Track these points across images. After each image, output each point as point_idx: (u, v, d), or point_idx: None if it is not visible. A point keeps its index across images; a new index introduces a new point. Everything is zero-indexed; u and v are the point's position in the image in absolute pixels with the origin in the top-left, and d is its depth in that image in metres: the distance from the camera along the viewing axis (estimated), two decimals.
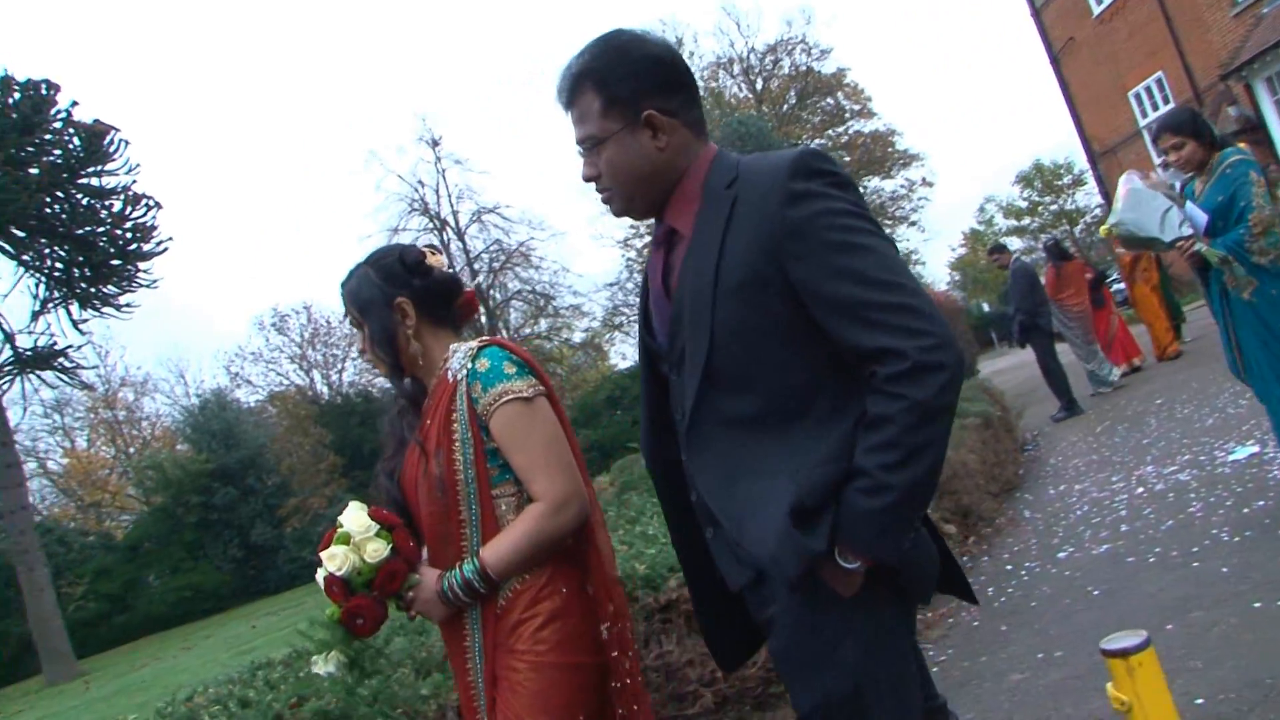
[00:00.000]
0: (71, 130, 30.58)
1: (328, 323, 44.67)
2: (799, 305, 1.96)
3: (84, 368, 32.99)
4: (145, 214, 31.05)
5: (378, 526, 2.52)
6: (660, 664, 4.36)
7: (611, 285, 43.45)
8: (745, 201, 2.01)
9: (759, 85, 48.21)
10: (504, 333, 43.86)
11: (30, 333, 31.17)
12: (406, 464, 2.65)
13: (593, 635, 2.50)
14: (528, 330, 45.01)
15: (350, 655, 2.56)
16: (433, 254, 2.76)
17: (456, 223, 44.38)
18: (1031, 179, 59.62)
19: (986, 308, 49.35)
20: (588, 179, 2.23)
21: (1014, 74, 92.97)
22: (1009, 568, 6.56)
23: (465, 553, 2.51)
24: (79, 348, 32.00)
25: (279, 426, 41.29)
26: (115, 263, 31.12)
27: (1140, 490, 7.48)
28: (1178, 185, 5.54)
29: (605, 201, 2.26)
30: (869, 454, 1.88)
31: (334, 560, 2.49)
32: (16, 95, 29.72)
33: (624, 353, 46.87)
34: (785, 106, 47.59)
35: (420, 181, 44.48)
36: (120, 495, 45.60)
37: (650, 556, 4.70)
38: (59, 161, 30.31)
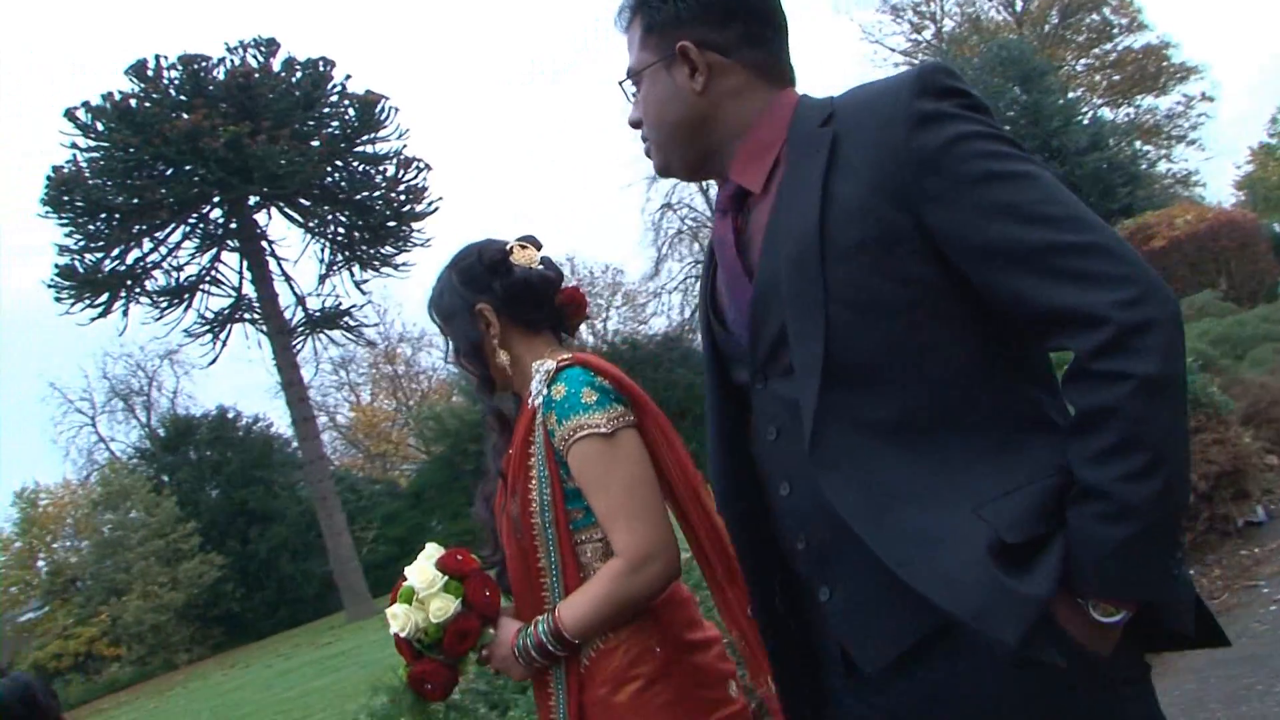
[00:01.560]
0: (346, 102, 32.45)
1: (590, 273, 45.75)
2: (943, 265, 1.49)
3: (366, 326, 35.26)
4: (416, 176, 32.72)
5: (445, 579, 2.22)
6: None
7: None
8: (853, 136, 1.56)
9: (1019, 6, 46.21)
10: None
11: (318, 295, 33.51)
12: (499, 494, 2.32)
13: (703, 696, 2.15)
14: None
15: None
16: (521, 248, 2.37)
17: None
18: None
19: None
20: (632, 124, 1.84)
21: None
22: (1265, 589, 5.34)
23: (546, 604, 2.18)
24: (361, 307, 34.15)
25: None
26: (391, 224, 32.96)
27: None
28: None
29: (646, 154, 1.84)
30: (1098, 464, 1.38)
31: (396, 620, 2.21)
32: (299, 74, 31.76)
33: None
34: (1047, 27, 45.46)
35: None
36: (402, 446, 48.39)
37: None
38: (337, 132, 32.28)
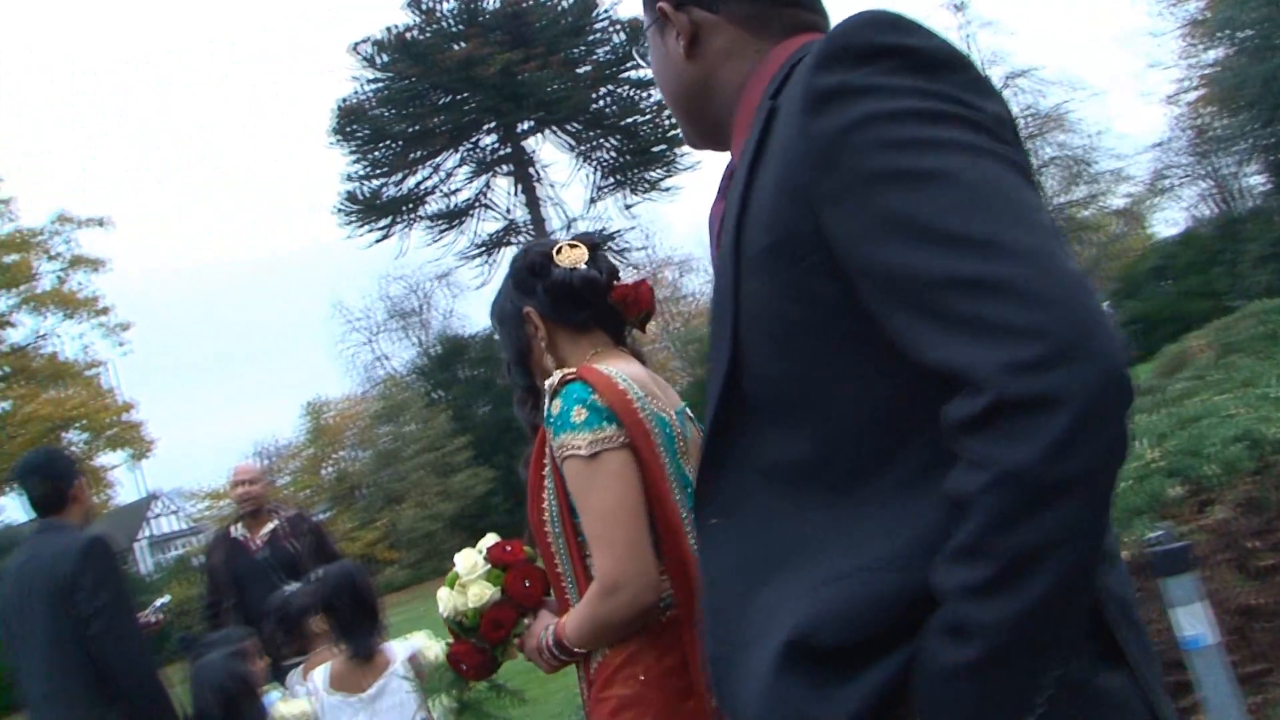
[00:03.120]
0: (614, 28, 32.64)
1: None
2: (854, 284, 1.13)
3: (633, 249, 35.66)
4: None
5: (487, 567, 2.28)
6: None
7: (1156, 146, 39.90)
8: (783, 110, 1.20)
9: None
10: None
11: (586, 219, 34.10)
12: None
13: None
14: (1063, 199, 42.67)
15: (459, 700, 2.45)
16: (571, 247, 2.29)
17: None
18: None
19: None
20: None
21: None
22: None
23: (570, 606, 2.19)
24: (627, 231, 34.53)
25: None
26: (657, 149, 33.12)
27: None
28: None
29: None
30: (948, 566, 1.02)
31: (441, 602, 2.30)
32: (567, 1, 32.14)
33: (1170, 219, 43.13)
34: None
35: None
36: (668, 367, 49.08)
37: None
38: (605, 58, 32.55)
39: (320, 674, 3.72)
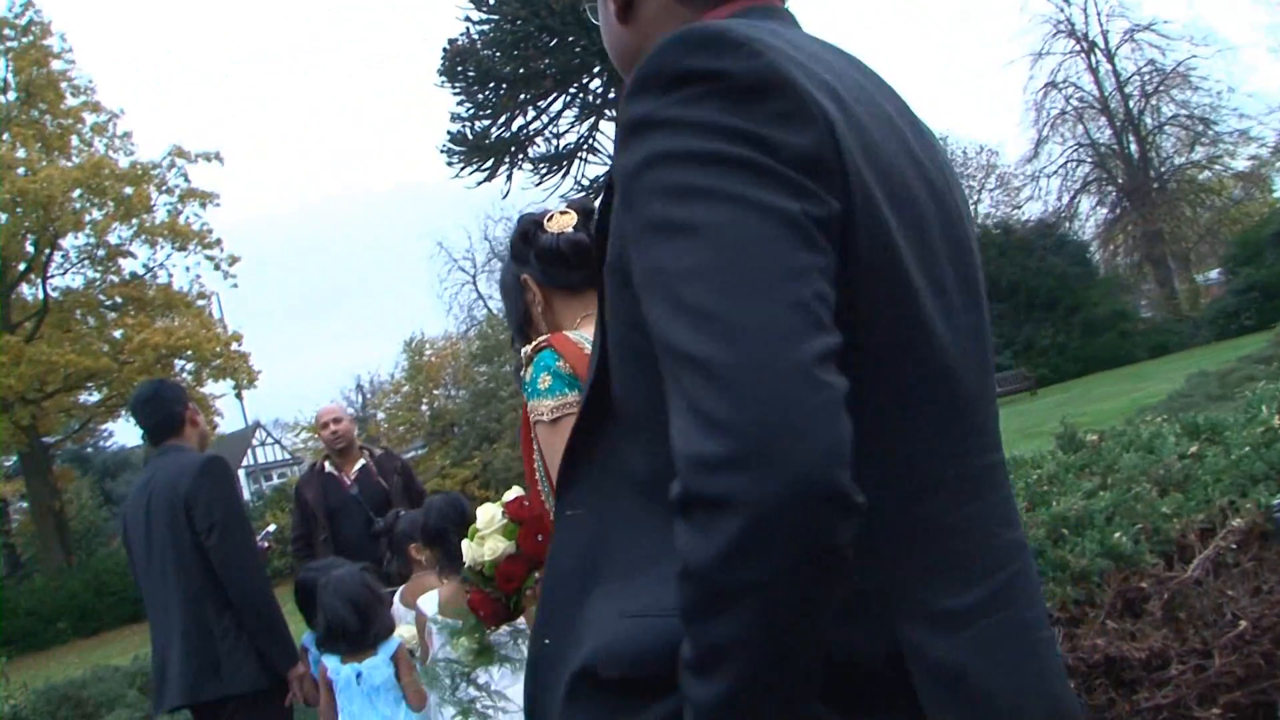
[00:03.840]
0: None
1: (964, 153, 43.98)
2: None
3: None
4: None
5: (504, 522, 2.40)
6: None
7: None
8: None
9: None
10: (1154, 163, 40.79)
11: None
12: None
13: None
14: (1180, 160, 41.36)
15: (479, 643, 2.54)
16: (561, 214, 2.39)
17: (1106, 44, 41.42)
18: None
19: None
20: None
21: None
22: None
23: None
24: None
25: None
26: None
27: None
28: None
29: None
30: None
31: (464, 552, 2.45)
32: None
33: None
34: None
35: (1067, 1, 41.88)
36: None
37: None
38: None
39: (429, 600, 3.82)
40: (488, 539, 2.39)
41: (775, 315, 0.92)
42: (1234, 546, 3.48)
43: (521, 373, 2.20)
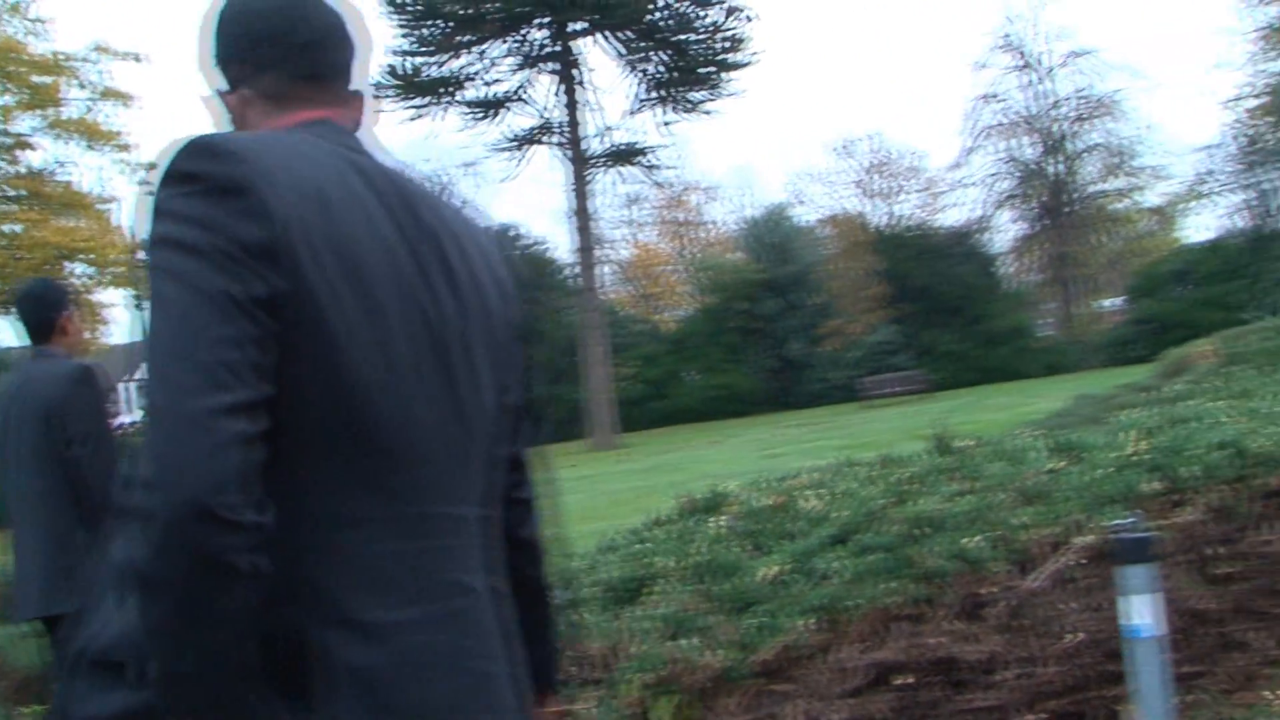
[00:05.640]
0: None
1: (889, 154, 44.48)
2: None
3: (665, 168, 35.35)
4: (740, 25, 32.20)
5: None
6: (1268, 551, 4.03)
7: (1204, 149, 39.33)
8: None
9: None
10: (1073, 187, 41.75)
11: (623, 129, 33.71)
12: None
13: None
14: (1096, 187, 42.34)
15: None
16: None
17: (1046, 63, 42.11)
18: None
19: None
20: None
21: None
22: None
23: None
24: (660, 149, 34.14)
25: (832, 248, 42.21)
26: (706, 70, 32.70)
27: None
28: None
29: None
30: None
31: None
32: None
33: (1202, 224, 42.66)
34: None
35: (1014, 16, 42.48)
36: (674, 291, 48.99)
37: (1274, 434, 4.35)
38: None
39: None
40: None
41: (187, 374, 1.18)
42: (1082, 562, 3.63)
43: None
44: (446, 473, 1.39)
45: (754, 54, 32.74)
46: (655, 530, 4.14)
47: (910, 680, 3.31)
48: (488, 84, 32.95)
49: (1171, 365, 8.11)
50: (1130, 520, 3.08)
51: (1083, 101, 41.64)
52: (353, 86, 1.57)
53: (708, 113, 33.56)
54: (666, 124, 33.64)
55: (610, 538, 4.34)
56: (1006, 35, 42.21)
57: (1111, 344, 34.49)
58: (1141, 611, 2.83)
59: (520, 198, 65.67)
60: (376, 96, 31.42)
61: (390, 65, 31.38)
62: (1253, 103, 37.75)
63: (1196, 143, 39.27)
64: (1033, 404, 18.10)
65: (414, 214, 1.42)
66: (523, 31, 32.21)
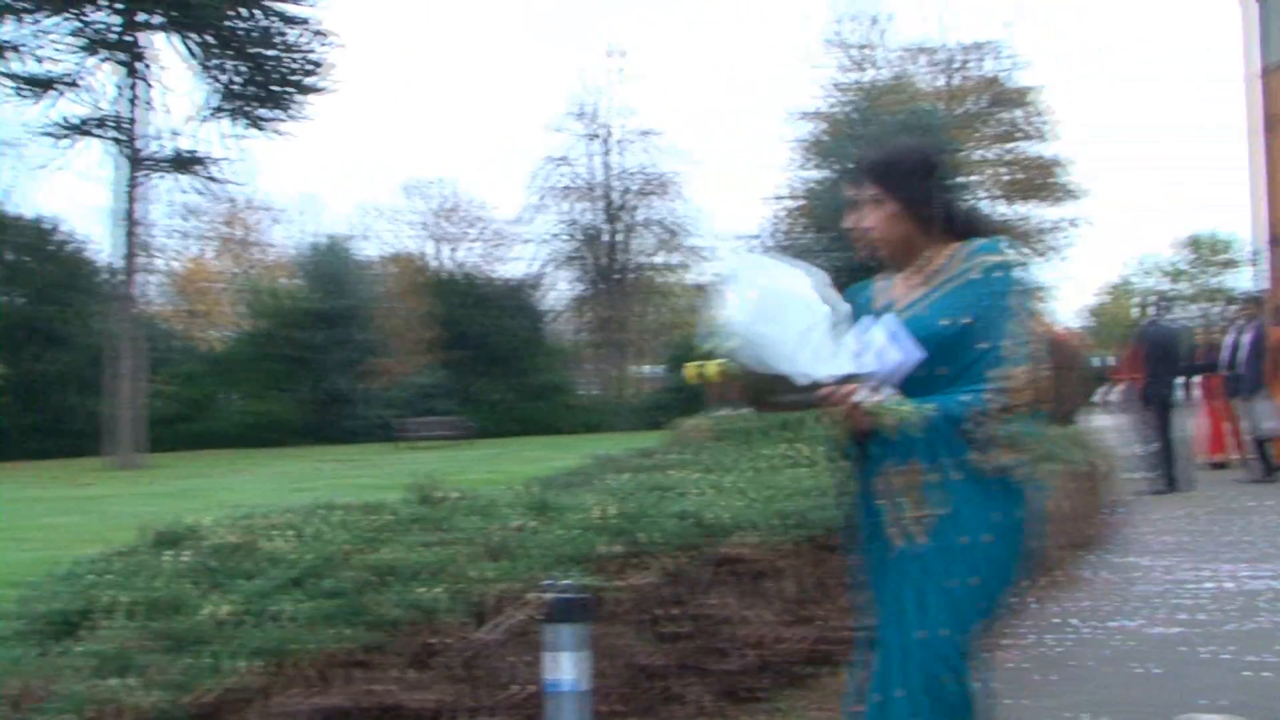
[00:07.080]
0: None
1: (461, 200, 45.32)
2: None
3: (229, 182, 33.72)
4: (322, 49, 31.61)
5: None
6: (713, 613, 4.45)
7: (745, 237, 42.79)
8: None
9: (952, 80, 46.98)
10: (625, 257, 44.23)
11: (189, 136, 31.77)
12: None
13: None
14: (645, 259, 45.17)
15: None
16: None
17: (616, 136, 44.42)
18: (1196, 244, 58.45)
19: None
20: None
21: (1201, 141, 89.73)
22: (1056, 620, 6.51)
23: None
24: (226, 162, 32.51)
25: (390, 286, 42.10)
26: (281, 89, 31.74)
27: (1211, 585, 7.37)
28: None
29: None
30: None
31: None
32: None
33: None
34: (964, 108, 46.39)
35: (590, 88, 44.53)
36: (223, 311, 46.88)
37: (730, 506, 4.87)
38: None
39: None
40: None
41: None
42: (536, 618, 3.80)
43: None
44: None
45: (333, 81, 32.28)
46: (114, 561, 3.91)
47: None
48: (39, 60, 30.10)
49: (676, 436, 8.69)
50: (566, 582, 3.27)
51: (644, 178, 44.30)
52: None
53: (279, 133, 32.51)
54: (235, 137, 32.21)
55: (67, 566, 4.05)
56: (581, 104, 44.21)
57: (648, 408, 36.57)
58: (567, 668, 2.98)
59: (65, 190, 60.36)
60: None
61: None
62: (791, 204, 41.78)
63: (740, 231, 42.70)
64: (561, 458, 18.76)
65: None
66: (82, 9, 29.75)
